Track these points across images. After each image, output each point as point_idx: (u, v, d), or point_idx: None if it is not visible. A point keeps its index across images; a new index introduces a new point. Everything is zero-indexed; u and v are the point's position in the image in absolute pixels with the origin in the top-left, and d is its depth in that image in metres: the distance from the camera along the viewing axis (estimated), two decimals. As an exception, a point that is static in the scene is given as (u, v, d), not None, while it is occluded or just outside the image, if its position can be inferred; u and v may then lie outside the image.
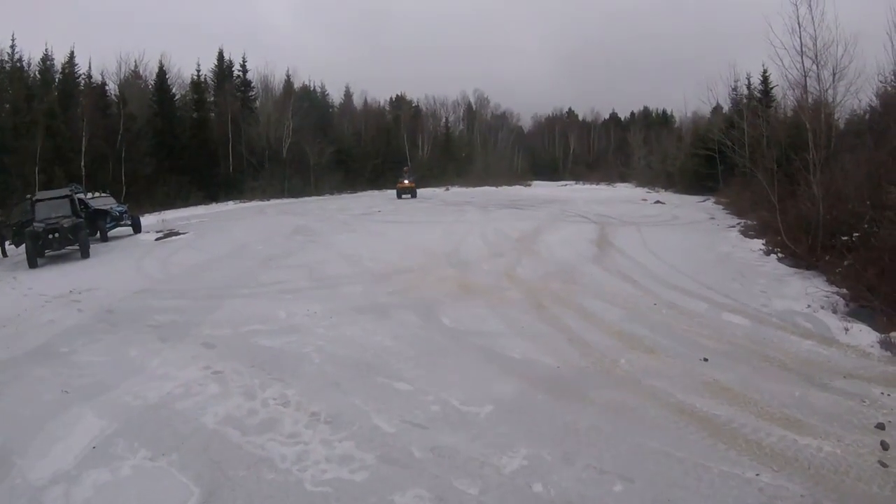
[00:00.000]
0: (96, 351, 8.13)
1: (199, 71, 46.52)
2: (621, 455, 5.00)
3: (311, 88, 56.99)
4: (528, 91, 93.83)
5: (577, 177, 63.35)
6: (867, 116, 20.85)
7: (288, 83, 53.20)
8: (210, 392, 6.51)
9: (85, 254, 17.74)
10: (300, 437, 5.41)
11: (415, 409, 5.95)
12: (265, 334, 8.53)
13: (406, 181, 40.61)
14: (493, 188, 48.19)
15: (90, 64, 41.36)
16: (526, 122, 74.47)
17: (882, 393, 6.29)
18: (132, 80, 43.13)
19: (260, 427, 5.63)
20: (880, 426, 5.48)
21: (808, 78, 16.88)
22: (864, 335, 8.31)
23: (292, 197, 41.70)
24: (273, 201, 39.57)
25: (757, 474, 4.69)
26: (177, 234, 21.94)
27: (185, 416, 5.92)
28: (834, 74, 16.50)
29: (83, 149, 33.58)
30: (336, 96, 60.71)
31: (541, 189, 48.56)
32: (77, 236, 17.83)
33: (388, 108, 63.31)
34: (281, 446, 5.24)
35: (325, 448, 5.19)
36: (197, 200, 37.04)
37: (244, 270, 13.76)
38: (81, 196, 21.84)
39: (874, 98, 19.95)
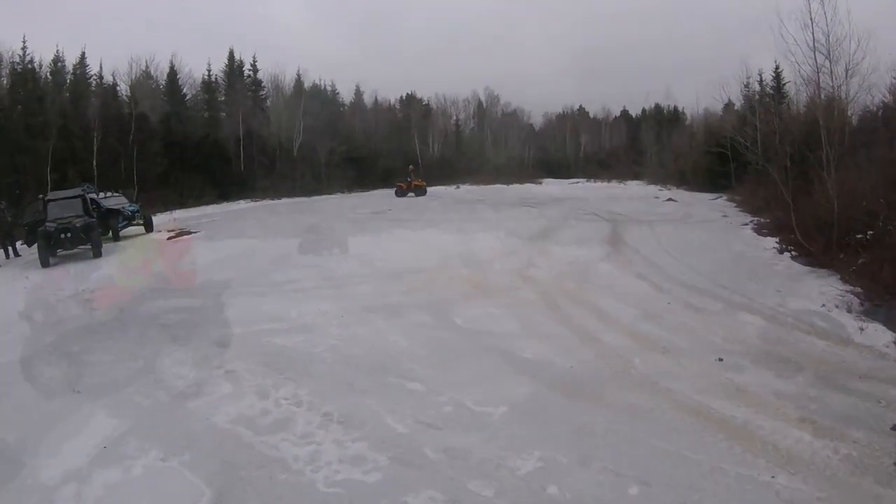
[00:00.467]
0: (108, 350, 8.15)
1: (209, 71, 46.66)
2: (637, 457, 4.97)
3: (322, 87, 56.93)
4: (538, 89, 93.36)
5: (589, 174, 62.76)
6: (881, 113, 20.66)
7: (298, 82, 53.20)
8: (222, 391, 6.51)
9: (97, 253, 17.80)
10: (313, 437, 5.40)
11: (428, 410, 5.93)
12: (277, 333, 8.52)
13: (418, 180, 40.52)
14: (505, 186, 47.90)
15: (101, 65, 41.53)
16: (537, 120, 73.98)
17: (896, 392, 6.23)
18: (143, 80, 43.26)
19: (272, 427, 5.63)
20: (896, 428, 5.42)
21: (820, 74, 16.74)
22: (879, 335, 8.22)
23: (303, 196, 41.58)
24: (284, 200, 39.52)
25: (773, 477, 4.65)
26: (189, 232, 21.96)
27: (197, 416, 5.93)
28: (847, 70, 16.35)
29: (95, 149, 33.74)
30: (346, 95, 60.68)
31: (552, 187, 48.33)
32: (89, 236, 17.90)
33: (398, 107, 63.19)
34: (293, 446, 5.23)
35: (338, 448, 5.18)
36: (209, 199, 37.06)
37: (256, 269, 13.77)
38: (93, 196, 21.94)
39: (887, 94, 19.80)
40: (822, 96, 17.32)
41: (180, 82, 44.28)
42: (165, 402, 6.31)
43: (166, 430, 5.65)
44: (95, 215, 19.78)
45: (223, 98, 47.33)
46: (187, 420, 5.85)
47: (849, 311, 9.47)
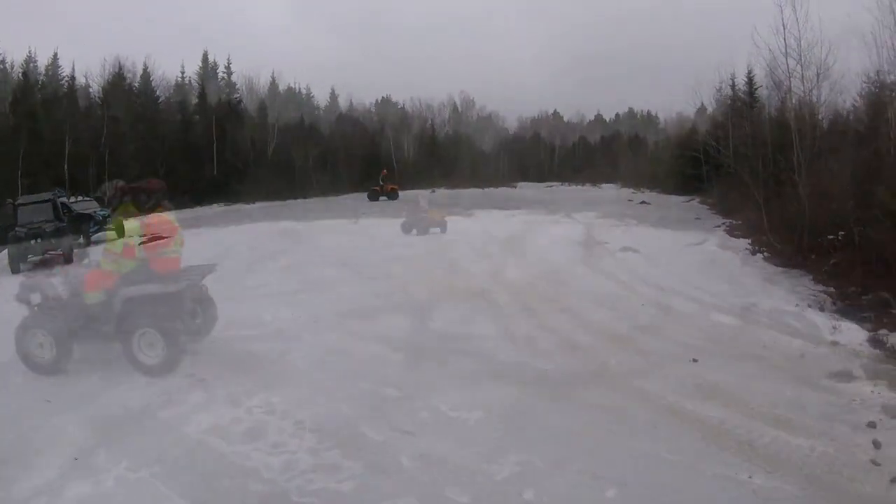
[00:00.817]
0: (78, 358, 7.93)
1: (183, 73, 46.40)
2: (614, 459, 4.93)
3: (297, 91, 56.84)
4: (513, 93, 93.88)
5: (563, 178, 63.23)
6: (851, 116, 21.00)
7: (273, 85, 53.01)
8: (194, 400, 6.34)
9: (68, 259, 17.47)
10: (286, 446, 5.26)
11: (403, 416, 5.83)
12: (250, 339, 8.35)
13: (391, 184, 40.68)
14: (479, 190, 48.01)
15: (74, 66, 40.99)
16: (511, 125, 74.32)
17: (872, 391, 6.29)
18: (116, 82, 42.65)
19: (245, 436, 5.47)
20: (871, 424, 5.46)
21: (792, 78, 17.05)
22: (852, 333, 8.34)
23: (277, 200, 41.16)
24: (258, 204, 39.15)
25: (750, 476, 4.64)
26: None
27: (169, 426, 5.76)
28: (818, 75, 16.68)
29: (66, 152, 33.20)
30: (321, 98, 60.62)
31: (527, 191, 48.57)
32: (60, 241, 17.61)
33: (373, 111, 63.16)
34: (266, 456, 5.09)
35: (312, 457, 5.05)
36: (181, 204, 36.42)
37: (228, 273, 13.48)
38: (64, 200, 21.58)
39: (858, 98, 20.12)
40: (794, 100, 17.62)
41: (153, 84, 43.83)
42: (136, 412, 6.12)
43: (138, 440, 5.47)
44: (66, 220, 19.47)
45: (196, 101, 46.90)
46: (159, 430, 5.68)
47: (822, 310, 9.60)
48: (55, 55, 39.99)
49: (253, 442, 5.37)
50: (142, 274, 7.53)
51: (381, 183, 40.49)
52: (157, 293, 7.40)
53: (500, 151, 66.49)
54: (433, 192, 47.56)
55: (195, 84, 47.49)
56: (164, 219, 7.99)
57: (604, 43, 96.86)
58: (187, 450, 5.28)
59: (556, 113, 75.82)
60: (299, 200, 41.42)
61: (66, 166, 32.78)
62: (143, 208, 7.94)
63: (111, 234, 7.80)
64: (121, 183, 8.31)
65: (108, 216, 22.62)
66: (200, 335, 8.20)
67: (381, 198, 39.09)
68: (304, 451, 5.16)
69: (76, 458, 5.17)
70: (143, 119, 40.53)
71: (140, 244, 7.61)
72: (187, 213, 33.71)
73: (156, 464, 5.03)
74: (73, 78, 40.58)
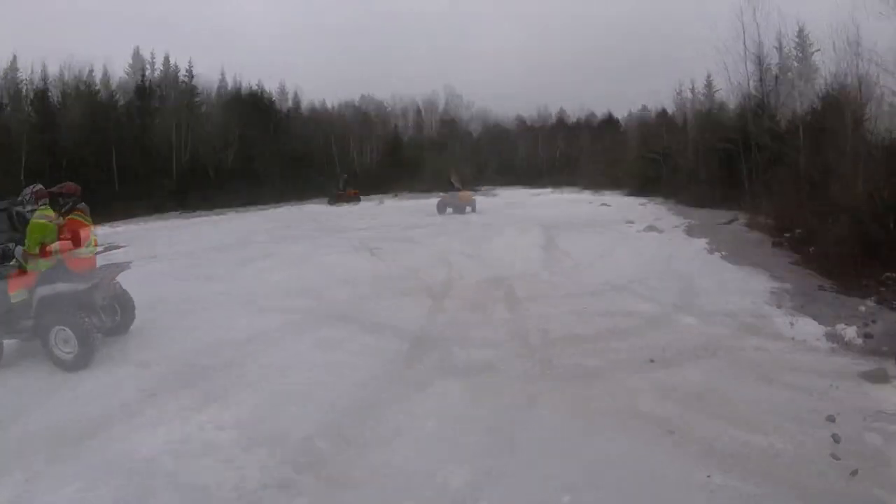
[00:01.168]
0: (25, 373, 7.61)
1: (143, 77, 45.45)
2: (569, 463, 4.87)
3: (259, 94, 56.06)
4: (476, 98, 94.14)
5: (526, 181, 63.47)
6: (809, 118, 21.40)
7: (234, 88, 52.38)
8: (144, 417, 6.09)
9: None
10: (236, 461, 5.09)
11: (357, 427, 5.70)
12: (203, 353, 8.02)
13: (352, 190, 40.59)
14: (443, 194, 47.85)
15: (32, 69, 40.04)
16: (475, 128, 74.42)
17: (830, 385, 6.34)
18: (75, 85, 41.70)
19: (195, 453, 5.28)
20: (830, 418, 5.52)
21: (751, 81, 17.37)
22: (809, 328, 8.43)
23: (239, 206, 40.42)
24: (218, 211, 38.43)
25: (708, 476, 4.63)
26: (116, 247, 21.09)
27: (118, 444, 5.52)
28: (776, 78, 17.01)
29: (23, 159, 32.36)
30: (283, 102, 59.96)
31: (488, 195, 48.64)
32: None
33: (336, 114, 62.69)
34: (217, 473, 4.92)
35: (263, 474, 4.90)
36: (141, 212, 35.77)
37: (183, 285, 13.20)
38: (20, 209, 20.94)
39: (816, 100, 20.52)
40: (752, 103, 17.96)
41: (113, 88, 42.98)
42: (85, 429, 5.84)
43: (86, 459, 5.24)
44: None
45: (157, 105, 46.07)
46: (108, 449, 5.43)
47: (779, 307, 9.67)
48: (14, 57, 39.05)
49: (203, 458, 5.18)
50: (57, 273, 7.95)
51: (343, 188, 40.26)
52: (68, 291, 7.77)
53: (464, 155, 66.30)
54: (396, 196, 47.28)
55: (155, 88, 46.62)
56: (81, 222, 8.42)
57: (567, 44, 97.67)
58: (136, 468, 5.07)
59: (519, 116, 76.18)
60: (260, 207, 40.65)
61: (22, 176, 31.89)
62: (61, 211, 8.39)
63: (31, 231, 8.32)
64: (38, 187, 8.55)
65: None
66: (119, 332, 8.72)
67: (342, 203, 38.80)
68: (255, 468, 5.00)
69: (27, 480, 4.94)
70: (102, 126, 39.61)
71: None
72: (143, 221, 33.11)
73: (105, 485, 4.82)
74: (31, 82, 39.73)
